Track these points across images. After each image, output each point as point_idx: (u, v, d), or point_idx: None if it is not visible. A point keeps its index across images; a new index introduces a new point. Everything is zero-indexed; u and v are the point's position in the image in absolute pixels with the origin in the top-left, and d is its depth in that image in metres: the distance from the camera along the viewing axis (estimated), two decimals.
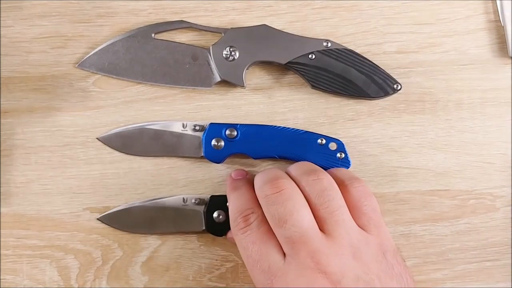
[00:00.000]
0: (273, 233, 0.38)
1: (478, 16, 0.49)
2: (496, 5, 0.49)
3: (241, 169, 0.45)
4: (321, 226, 0.37)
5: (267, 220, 0.38)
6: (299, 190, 0.39)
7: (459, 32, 0.49)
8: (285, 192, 0.38)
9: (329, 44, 0.46)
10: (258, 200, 0.40)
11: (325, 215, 0.37)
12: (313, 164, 0.42)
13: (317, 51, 0.46)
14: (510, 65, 0.48)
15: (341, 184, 0.40)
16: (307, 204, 0.38)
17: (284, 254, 0.37)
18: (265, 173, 0.41)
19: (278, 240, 0.37)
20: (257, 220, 0.39)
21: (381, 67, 0.47)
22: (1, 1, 0.48)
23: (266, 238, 0.38)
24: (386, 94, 0.47)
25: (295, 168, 0.42)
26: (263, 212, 0.39)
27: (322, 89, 0.47)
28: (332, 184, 0.39)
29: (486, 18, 0.49)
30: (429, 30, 0.48)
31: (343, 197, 0.39)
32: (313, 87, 0.47)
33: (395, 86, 0.46)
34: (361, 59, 0.46)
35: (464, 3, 0.49)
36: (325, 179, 0.39)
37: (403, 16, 0.49)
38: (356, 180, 0.41)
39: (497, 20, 0.49)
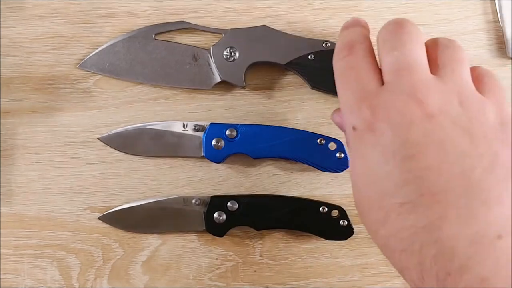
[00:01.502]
0: (377, 66, 0.34)
1: (477, 17, 0.49)
2: (495, 6, 0.49)
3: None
4: (434, 71, 0.33)
5: (374, 54, 0.35)
6: (422, 33, 0.34)
7: (458, 32, 0.49)
8: (407, 28, 0.34)
9: (328, 45, 0.46)
10: (368, 35, 0.36)
11: (443, 60, 0.34)
12: None
13: (317, 51, 0.46)
14: (510, 65, 0.48)
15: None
16: (424, 46, 0.34)
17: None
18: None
19: (380, 73, 0.34)
20: (363, 50, 0.35)
21: None
22: (2, 2, 0.48)
23: (367, 66, 0.34)
24: None
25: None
26: (371, 45, 0.35)
27: (322, 89, 0.47)
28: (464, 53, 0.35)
29: (485, 19, 0.49)
30: (428, 31, 0.48)
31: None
32: (313, 87, 0.47)
33: None
34: None
35: (463, 3, 0.49)
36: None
37: (402, 17, 0.49)
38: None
39: (496, 21, 0.49)
